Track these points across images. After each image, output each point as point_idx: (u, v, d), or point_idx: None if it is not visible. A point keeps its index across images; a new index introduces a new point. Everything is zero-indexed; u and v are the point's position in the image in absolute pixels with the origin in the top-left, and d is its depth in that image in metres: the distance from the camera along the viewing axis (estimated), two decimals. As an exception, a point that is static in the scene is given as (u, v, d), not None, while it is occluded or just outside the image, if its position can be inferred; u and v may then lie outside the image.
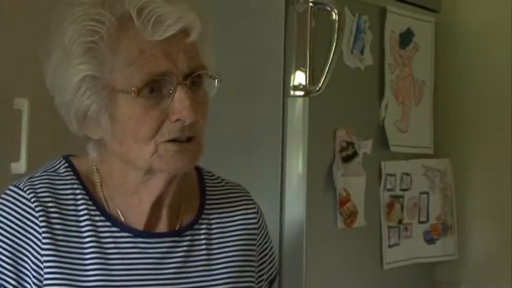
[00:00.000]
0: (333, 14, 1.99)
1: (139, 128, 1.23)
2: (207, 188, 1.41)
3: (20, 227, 1.25)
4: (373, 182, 2.23)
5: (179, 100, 1.22)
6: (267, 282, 1.46)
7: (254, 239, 1.41)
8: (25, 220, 1.26)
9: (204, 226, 1.36)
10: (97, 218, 1.29)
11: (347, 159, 2.13)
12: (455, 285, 2.56)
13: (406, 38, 2.34)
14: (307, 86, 2.01)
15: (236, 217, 1.40)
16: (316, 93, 2.00)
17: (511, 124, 2.49)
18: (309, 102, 2.02)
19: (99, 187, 1.32)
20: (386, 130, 2.27)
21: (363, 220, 2.17)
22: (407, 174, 2.34)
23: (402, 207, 2.32)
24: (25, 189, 1.28)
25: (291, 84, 2.02)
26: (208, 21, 1.28)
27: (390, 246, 2.27)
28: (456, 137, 2.57)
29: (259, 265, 1.43)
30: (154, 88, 1.22)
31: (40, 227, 1.25)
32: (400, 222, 2.31)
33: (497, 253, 2.53)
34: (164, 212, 1.32)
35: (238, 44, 2.07)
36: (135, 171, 1.28)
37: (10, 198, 1.27)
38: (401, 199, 2.32)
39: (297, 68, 2.02)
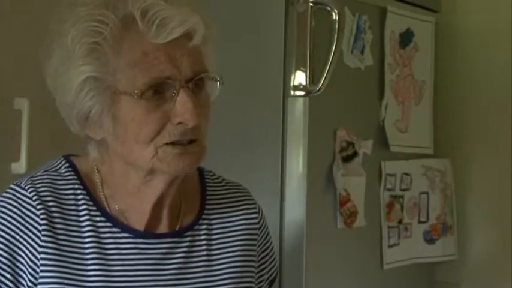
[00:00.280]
0: (333, 14, 1.99)
1: (140, 130, 1.23)
2: (208, 188, 1.41)
3: (20, 223, 1.25)
4: (373, 182, 2.23)
5: (182, 103, 1.22)
6: (267, 283, 1.46)
7: (255, 239, 1.41)
8: (25, 217, 1.26)
9: (204, 227, 1.36)
10: (97, 219, 1.29)
11: (347, 159, 2.13)
12: (455, 286, 2.56)
13: (406, 38, 2.34)
14: (307, 86, 2.01)
15: (237, 217, 1.40)
16: (316, 93, 2.00)
17: (511, 124, 2.49)
18: (309, 102, 2.02)
19: (99, 187, 1.31)
20: (387, 130, 2.27)
21: (363, 220, 2.17)
22: (407, 174, 2.34)
23: (402, 207, 2.32)
24: (26, 187, 1.28)
25: (291, 84, 2.02)
26: (211, 24, 1.28)
27: (390, 246, 2.27)
28: (456, 137, 2.57)
29: (260, 265, 1.43)
30: (157, 91, 1.22)
31: (40, 224, 1.25)
32: (400, 222, 2.31)
33: (497, 253, 2.53)
34: (165, 213, 1.32)
35: (238, 44, 2.07)
36: (137, 171, 1.28)
37: (11, 196, 1.28)
38: (401, 199, 2.32)
39: (297, 68, 2.02)
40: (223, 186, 1.43)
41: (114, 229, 1.29)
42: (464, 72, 2.58)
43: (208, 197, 1.39)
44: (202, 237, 1.35)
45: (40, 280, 1.24)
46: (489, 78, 2.54)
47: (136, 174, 1.28)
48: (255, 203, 1.44)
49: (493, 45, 2.54)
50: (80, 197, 1.30)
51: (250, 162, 2.06)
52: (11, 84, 1.79)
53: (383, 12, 2.27)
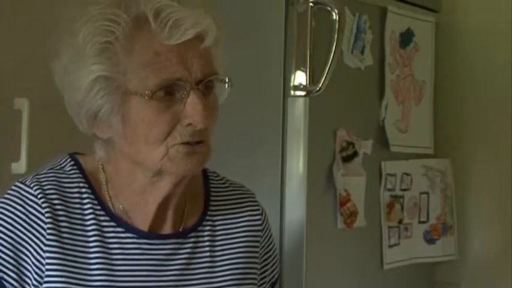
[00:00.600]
0: (333, 14, 1.99)
1: (150, 130, 1.22)
2: (212, 189, 1.40)
3: (25, 221, 1.25)
4: (373, 182, 2.23)
5: (192, 105, 1.22)
6: (269, 284, 1.45)
7: (258, 241, 1.41)
8: (30, 216, 1.25)
9: (207, 228, 1.36)
10: (102, 218, 1.29)
11: (347, 159, 2.13)
12: (455, 286, 2.56)
13: (406, 38, 2.34)
14: (308, 86, 2.01)
15: (241, 219, 1.39)
16: (316, 93, 2.00)
17: (511, 124, 2.49)
18: (309, 102, 2.02)
19: (104, 186, 1.31)
20: (387, 130, 2.27)
21: (363, 220, 2.17)
22: (407, 174, 2.34)
23: (402, 207, 2.32)
24: (32, 185, 1.27)
25: (291, 84, 2.02)
26: (222, 26, 1.27)
27: (390, 246, 2.27)
28: (456, 137, 2.57)
29: (262, 267, 1.42)
30: (167, 92, 1.22)
31: (45, 223, 1.25)
32: (400, 222, 2.31)
33: (497, 253, 2.53)
34: (169, 214, 1.32)
35: (238, 44, 2.07)
36: (144, 171, 1.27)
37: (16, 194, 1.27)
38: (401, 199, 2.32)
39: (297, 68, 2.02)
40: (227, 187, 1.42)
41: (118, 229, 1.29)
42: (464, 72, 2.58)
43: (212, 198, 1.39)
44: (206, 238, 1.35)
45: (46, 279, 1.24)
46: (489, 78, 2.54)
47: (143, 174, 1.28)
48: (258, 205, 1.43)
49: (493, 45, 2.54)
50: (84, 195, 1.29)
51: (250, 162, 2.06)
52: (11, 84, 1.79)
53: (383, 12, 2.27)
